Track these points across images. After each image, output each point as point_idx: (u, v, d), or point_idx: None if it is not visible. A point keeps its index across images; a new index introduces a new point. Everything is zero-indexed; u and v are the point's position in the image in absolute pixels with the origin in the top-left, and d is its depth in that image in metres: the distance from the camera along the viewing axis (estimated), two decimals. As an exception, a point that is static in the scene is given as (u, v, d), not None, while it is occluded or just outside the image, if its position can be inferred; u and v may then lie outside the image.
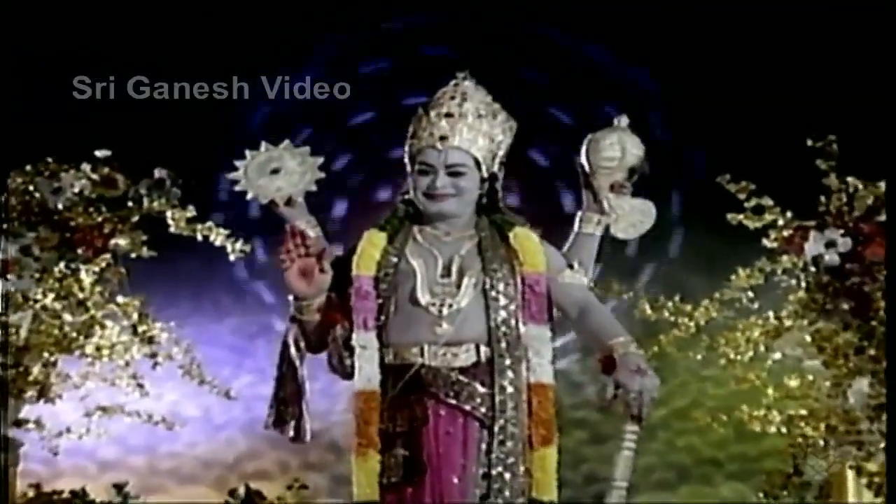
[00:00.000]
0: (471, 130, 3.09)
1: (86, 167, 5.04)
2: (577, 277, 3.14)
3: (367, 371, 3.01)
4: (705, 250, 5.92)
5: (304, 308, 3.05)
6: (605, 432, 5.89)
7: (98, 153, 5.06)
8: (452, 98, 3.13)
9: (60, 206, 5.04)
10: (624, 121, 3.27)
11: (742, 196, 5.00)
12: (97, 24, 5.83)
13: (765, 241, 5.01)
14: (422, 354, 3.01)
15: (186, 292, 6.04)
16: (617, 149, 3.22)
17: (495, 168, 3.15)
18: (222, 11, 5.85)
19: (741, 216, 4.99)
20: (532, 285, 3.06)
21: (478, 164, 3.11)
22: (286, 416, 3.08)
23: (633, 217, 3.23)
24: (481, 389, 2.99)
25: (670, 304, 5.16)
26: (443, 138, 3.08)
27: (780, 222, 5.00)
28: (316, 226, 3.10)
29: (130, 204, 5.11)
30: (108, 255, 5.01)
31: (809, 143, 4.94)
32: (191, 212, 5.07)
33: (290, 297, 3.06)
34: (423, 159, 3.11)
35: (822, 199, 4.98)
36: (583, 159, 3.25)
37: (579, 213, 3.26)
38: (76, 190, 5.03)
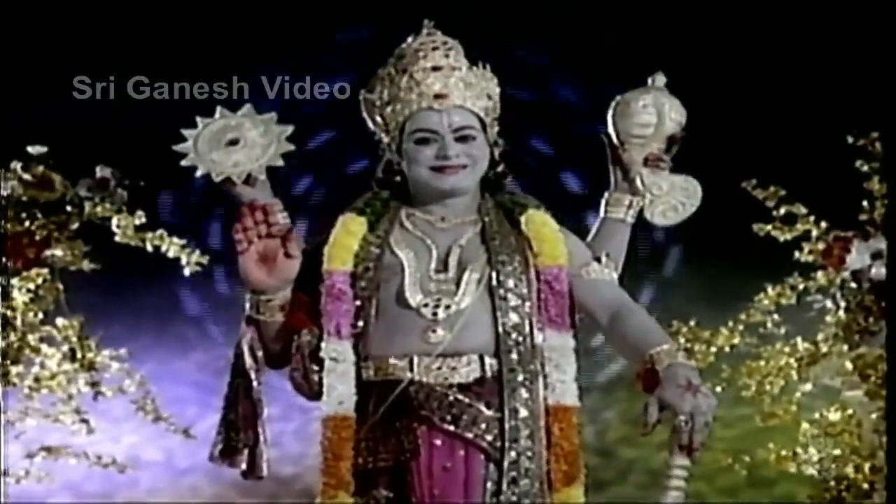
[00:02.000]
0: (468, 86, 2.65)
1: (16, 166, 4.73)
2: (607, 273, 2.69)
3: (340, 390, 2.56)
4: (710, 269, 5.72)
5: (262, 304, 2.59)
6: (605, 478, 5.71)
7: (31, 149, 4.76)
8: (435, 48, 2.66)
9: (-14, 211, 4.76)
10: (660, 79, 2.80)
11: (771, 203, 4.75)
12: (97, 24, 5.67)
13: (797, 255, 4.77)
14: (411, 369, 2.56)
15: (147, 321, 5.78)
16: (652, 112, 2.77)
17: (495, 133, 2.73)
18: (222, 11, 5.75)
19: (769, 227, 4.74)
20: (550, 282, 2.61)
21: (483, 126, 2.67)
22: (237, 444, 2.65)
23: (673, 198, 2.80)
24: (487, 412, 2.55)
25: (685, 328, 4.87)
26: (438, 96, 2.62)
27: (815, 233, 4.75)
28: (282, 210, 2.64)
29: (69, 208, 4.80)
30: (44, 269, 4.72)
31: (850, 140, 4.70)
32: (140, 218, 4.76)
33: (248, 294, 2.60)
34: (420, 125, 2.63)
35: (865, 205, 4.74)
36: (609, 127, 2.80)
37: (606, 195, 2.83)
38: (5, 192, 4.72)
